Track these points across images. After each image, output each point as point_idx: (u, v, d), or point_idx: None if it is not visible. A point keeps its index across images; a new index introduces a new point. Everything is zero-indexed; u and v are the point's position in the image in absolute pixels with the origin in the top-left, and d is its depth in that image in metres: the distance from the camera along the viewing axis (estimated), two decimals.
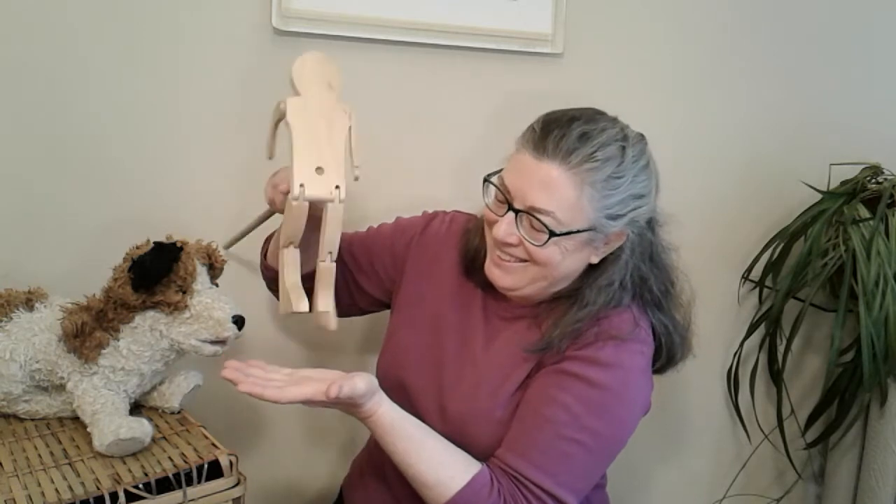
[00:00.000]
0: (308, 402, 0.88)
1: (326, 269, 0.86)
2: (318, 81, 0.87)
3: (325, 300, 0.88)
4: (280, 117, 0.86)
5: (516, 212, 0.91)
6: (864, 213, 1.46)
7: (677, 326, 1.02)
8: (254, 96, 1.18)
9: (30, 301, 0.98)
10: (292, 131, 0.83)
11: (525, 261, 0.94)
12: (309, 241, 0.91)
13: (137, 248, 0.94)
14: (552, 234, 0.89)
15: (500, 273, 0.96)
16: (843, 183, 1.54)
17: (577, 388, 0.92)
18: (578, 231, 0.90)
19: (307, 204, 0.84)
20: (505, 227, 0.92)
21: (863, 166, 1.54)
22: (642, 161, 0.93)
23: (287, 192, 0.86)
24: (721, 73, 1.51)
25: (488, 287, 1.02)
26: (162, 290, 0.93)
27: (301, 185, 0.82)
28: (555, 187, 0.88)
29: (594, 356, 0.93)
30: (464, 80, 1.32)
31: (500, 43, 1.30)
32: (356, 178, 0.88)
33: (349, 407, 0.90)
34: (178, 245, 0.95)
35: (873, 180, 1.51)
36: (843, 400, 1.52)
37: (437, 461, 0.92)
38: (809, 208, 1.53)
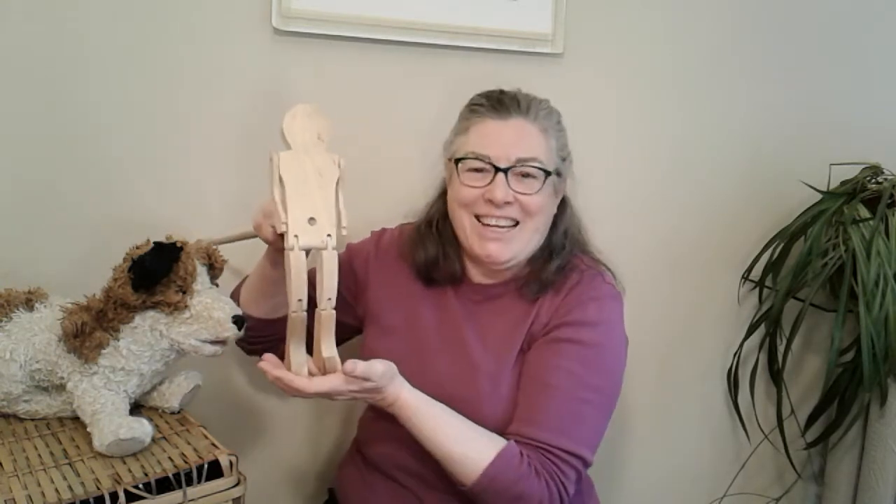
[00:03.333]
0: (334, 394, 0.91)
1: (327, 316, 0.89)
2: (309, 134, 0.92)
3: (329, 346, 0.90)
4: (276, 170, 0.90)
5: (505, 171, 0.99)
6: (864, 213, 1.46)
7: (598, 257, 1.12)
8: (254, 96, 1.18)
9: (30, 301, 0.98)
10: (285, 185, 0.88)
11: (516, 223, 1.01)
12: (280, 289, 0.91)
13: (137, 248, 0.94)
14: (547, 173, 1.00)
15: (499, 246, 1.02)
16: (843, 183, 1.54)
17: (573, 352, 0.99)
18: (555, 173, 1.02)
19: (304, 253, 0.87)
20: (502, 188, 0.99)
21: (863, 166, 1.54)
22: None
23: (279, 233, 0.89)
24: (721, 73, 1.51)
25: (456, 281, 1.08)
26: (162, 290, 0.93)
27: (295, 236, 0.87)
28: (529, 135, 1.01)
29: (582, 318, 1.01)
30: (464, 80, 1.31)
31: (500, 43, 1.30)
32: (344, 231, 0.91)
33: (372, 394, 0.93)
34: (178, 245, 0.95)
35: (873, 180, 1.51)
36: (843, 400, 1.52)
37: (464, 437, 0.96)
38: (809, 208, 1.53)
